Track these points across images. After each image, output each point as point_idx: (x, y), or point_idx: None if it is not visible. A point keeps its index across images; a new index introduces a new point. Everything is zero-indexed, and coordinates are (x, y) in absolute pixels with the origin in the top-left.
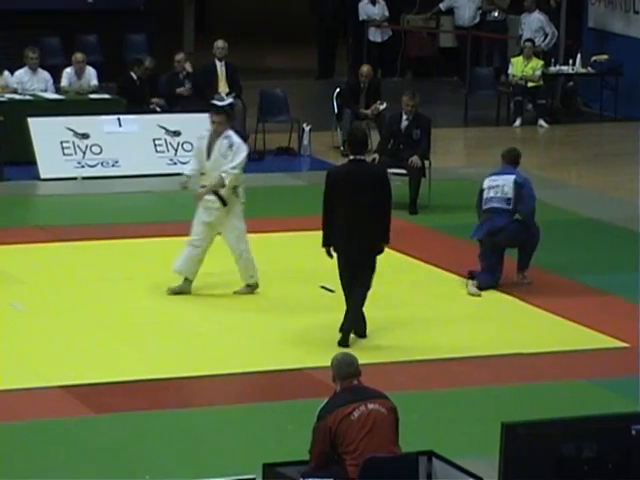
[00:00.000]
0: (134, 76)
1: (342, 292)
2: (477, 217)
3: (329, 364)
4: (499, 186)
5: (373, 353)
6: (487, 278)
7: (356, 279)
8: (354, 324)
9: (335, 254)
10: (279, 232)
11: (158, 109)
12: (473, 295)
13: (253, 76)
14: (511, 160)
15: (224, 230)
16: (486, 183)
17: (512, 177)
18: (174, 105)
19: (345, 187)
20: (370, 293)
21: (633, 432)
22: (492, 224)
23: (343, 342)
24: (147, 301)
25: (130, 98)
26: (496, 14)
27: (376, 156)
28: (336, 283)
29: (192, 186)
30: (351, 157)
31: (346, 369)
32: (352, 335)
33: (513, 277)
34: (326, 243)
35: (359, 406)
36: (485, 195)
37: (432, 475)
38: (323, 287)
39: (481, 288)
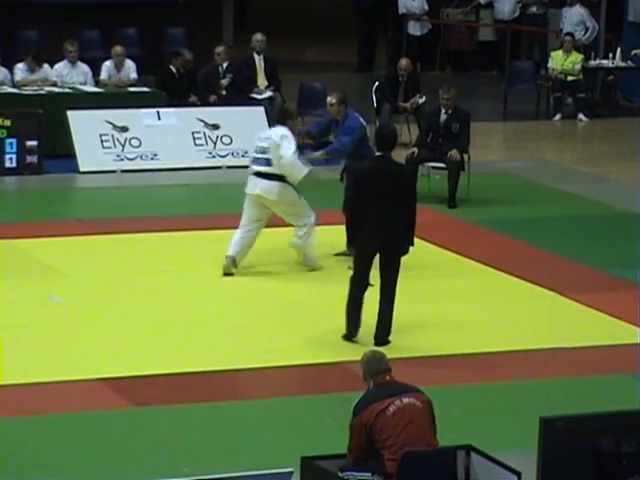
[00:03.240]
0: (173, 69)
1: (355, 290)
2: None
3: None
4: None
5: (411, 347)
6: None
7: (383, 280)
8: (389, 323)
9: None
10: (317, 225)
11: (198, 102)
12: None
13: (292, 69)
14: None
15: None
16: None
17: None
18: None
19: (370, 184)
20: (408, 287)
21: None
22: None
23: (381, 340)
24: (185, 294)
25: (169, 91)
26: (534, 9)
27: (415, 150)
28: (375, 279)
29: None
30: (377, 153)
31: (377, 365)
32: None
33: None
34: (353, 242)
35: (394, 401)
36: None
37: (470, 469)
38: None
39: None
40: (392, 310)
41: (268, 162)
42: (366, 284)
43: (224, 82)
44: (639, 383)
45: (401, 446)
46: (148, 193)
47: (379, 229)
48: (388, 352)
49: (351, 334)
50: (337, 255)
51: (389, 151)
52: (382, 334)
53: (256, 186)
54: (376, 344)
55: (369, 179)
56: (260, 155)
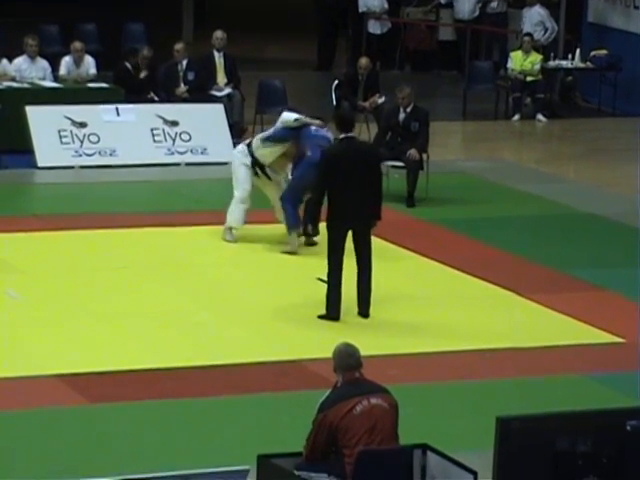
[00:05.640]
0: (129, 66)
1: (332, 269)
2: None
3: (325, 356)
4: None
5: (368, 345)
6: None
7: (359, 256)
8: (369, 294)
9: (328, 232)
10: (274, 223)
11: (156, 98)
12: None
13: (252, 67)
14: None
15: None
16: None
17: None
18: (172, 97)
19: (342, 165)
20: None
21: (628, 427)
22: None
23: (364, 312)
24: (143, 290)
25: (126, 88)
26: (494, 5)
27: None
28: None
29: None
30: (341, 136)
31: (347, 360)
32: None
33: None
34: (312, 222)
35: (361, 400)
36: None
37: (426, 468)
38: (319, 279)
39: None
40: (371, 282)
41: None
42: (341, 264)
43: (182, 93)
44: (595, 383)
45: (364, 447)
46: (106, 189)
47: (352, 207)
48: None
49: (333, 315)
50: None
51: (351, 131)
52: (365, 305)
53: None
54: (361, 314)
55: (341, 161)
56: None
